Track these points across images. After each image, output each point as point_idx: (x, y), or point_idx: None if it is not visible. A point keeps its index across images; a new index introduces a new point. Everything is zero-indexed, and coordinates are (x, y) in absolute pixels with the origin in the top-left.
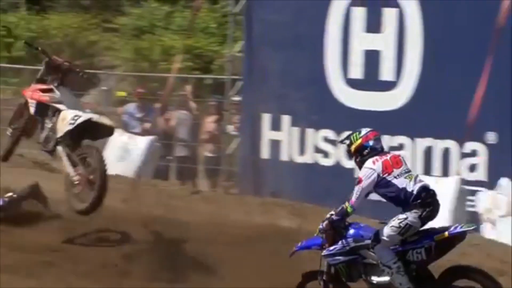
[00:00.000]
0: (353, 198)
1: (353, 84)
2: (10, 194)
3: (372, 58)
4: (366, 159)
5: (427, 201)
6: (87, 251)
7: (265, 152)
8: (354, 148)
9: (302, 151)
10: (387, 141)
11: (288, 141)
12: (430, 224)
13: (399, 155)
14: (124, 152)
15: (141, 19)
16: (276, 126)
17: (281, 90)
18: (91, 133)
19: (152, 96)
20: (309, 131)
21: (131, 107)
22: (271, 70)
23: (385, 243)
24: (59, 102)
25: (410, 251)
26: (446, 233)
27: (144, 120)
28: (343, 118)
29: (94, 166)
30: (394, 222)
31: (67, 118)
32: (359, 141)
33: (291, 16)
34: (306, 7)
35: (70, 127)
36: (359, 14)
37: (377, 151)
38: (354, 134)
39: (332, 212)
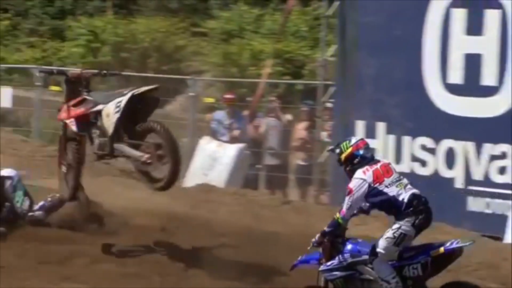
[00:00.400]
0: (344, 209)
1: (452, 89)
2: (52, 194)
3: (472, 62)
4: (357, 168)
5: (419, 208)
6: (173, 261)
7: None
8: (345, 157)
9: (397, 160)
10: (488, 149)
11: (383, 149)
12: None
13: (389, 163)
14: (213, 160)
15: (230, 22)
16: (370, 133)
17: (375, 96)
18: (139, 112)
19: (241, 103)
20: (405, 139)
21: (219, 114)
22: (365, 74)
23: (383, 257)
24: (96, 104)
25: (406, 266)
26: (442, 248)
27: (233, 127)
28: (441, 125)
29: (159, 140)
30: (388, 233)
31: (111, 111)
32: (350, 150)
33: (386, 18)
34: (403, 8)
35: (118, 115)
36: (460, 15)
37: (367, 159)
38: (344, 143)
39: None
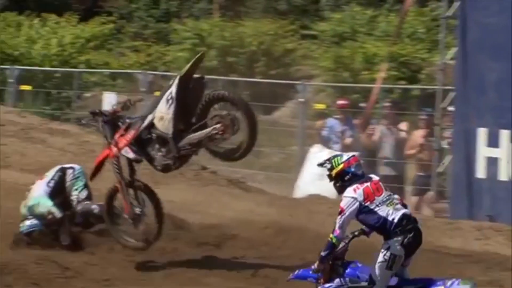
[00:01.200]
0: (337, 229)
1: None
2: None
3: None
4: (347, 185)
5: (407, 228)
6: (282, 276)
7: (480, 171)
8: (336, 172)
9: None
10: None
11: (507, 159)
12: None
13: (379, 181)
14: (324, 170)
15: (342, 24)
16: (493, 142)
17: (499, 102)
18: (190, 101)
19: (354, 109)
20: None
21: (331, 121)
22: (488, 79)
23: (380, 284)
24: (144, 119)
25: None
26: (443, 287)
27: (345, 135)
28: None
29: (227, 111)
30: (379, 258)
31: (163, 111)
32: (341, 166)
33: (511, 19)
34: None
35: (173, 107)
36: None
37: (358, 176)
38: (336, 159)
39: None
